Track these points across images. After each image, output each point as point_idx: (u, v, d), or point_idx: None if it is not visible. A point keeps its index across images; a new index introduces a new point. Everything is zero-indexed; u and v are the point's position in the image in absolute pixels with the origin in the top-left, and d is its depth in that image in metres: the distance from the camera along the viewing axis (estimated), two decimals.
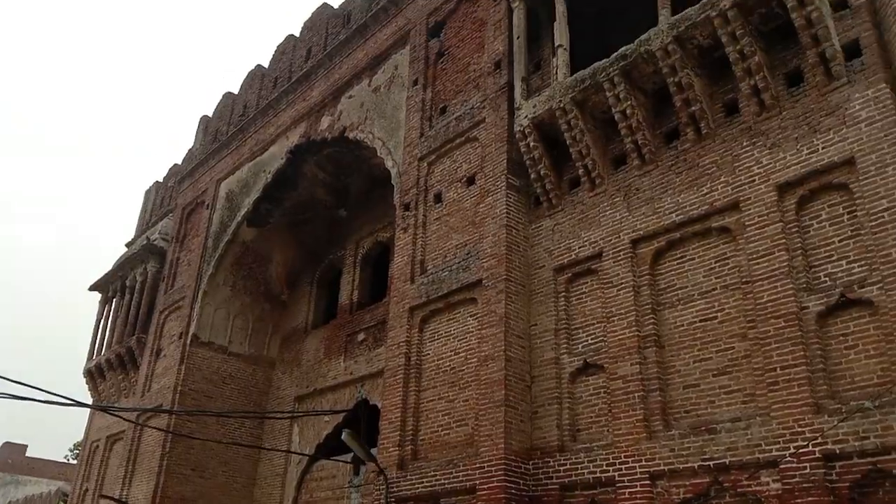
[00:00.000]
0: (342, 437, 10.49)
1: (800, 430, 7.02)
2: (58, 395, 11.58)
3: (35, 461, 43.44)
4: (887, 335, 6.72)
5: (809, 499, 6.75)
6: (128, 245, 22.82)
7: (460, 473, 9.51)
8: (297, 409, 16.48)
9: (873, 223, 7.09)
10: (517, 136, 10.67)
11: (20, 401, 11.09)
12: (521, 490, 9.06)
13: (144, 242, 20.03)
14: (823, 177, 7.70)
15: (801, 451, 6.92)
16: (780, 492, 7.02)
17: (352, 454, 14.35)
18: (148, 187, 23.67)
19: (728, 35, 8.49)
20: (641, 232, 9.21)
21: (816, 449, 6.83)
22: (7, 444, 43.81)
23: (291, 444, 16.08)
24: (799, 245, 7.71)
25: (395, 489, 10.23)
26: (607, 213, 9.73)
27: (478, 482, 9.19)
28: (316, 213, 17.57)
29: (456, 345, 10.56)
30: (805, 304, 7.43)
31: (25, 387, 10.77)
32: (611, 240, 9.52)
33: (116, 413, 15.31)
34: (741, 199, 8.28)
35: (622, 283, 9.17)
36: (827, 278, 7.41)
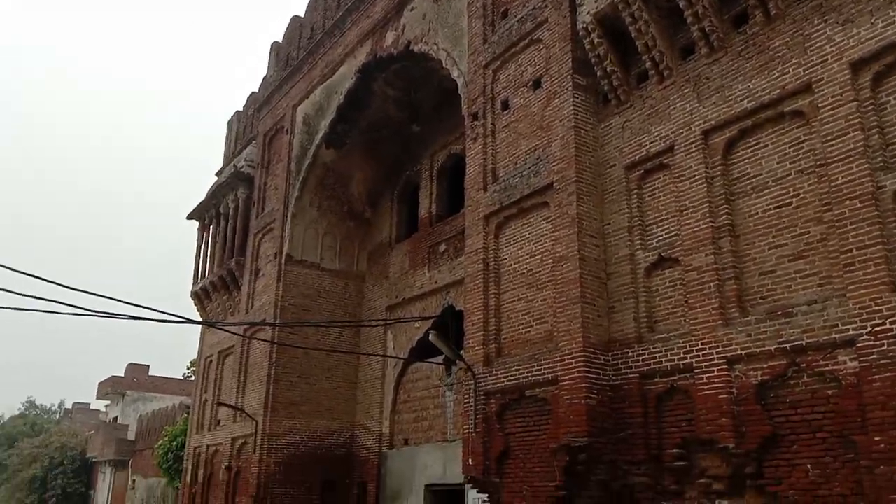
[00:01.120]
0: (430, 338, 11.16)
1: (877, 308, 7.07)
2: (176, 316, 12.70)
3: (157, 379, 47.36)
4: None
5: (887, 374, 6.87)
6: (217, 174, 23.91)
7: (542, 367, 10.02)
8: (390, 318, 17.36)
9: None
10: (581, 33, 10.55)
11: (139, 321, 12.25)
12: (601, 379, 9.50)
13: (232, 170, 20.98)
14: None
15: (878, 329, 7.00)
16: (857, 370, 7.15)
17: (443, 356, 15.17)
18: (230, 117, 24.49)
19: None
20: (713, 122, 9.11)
21: (894, 326, 6.89)
22: (131, 364, 47.80)
23: (386, 350, 17.08)
24: (875, 123, 7.52)
25: (482, 384, 10.88)
26: (677, 105, 9.62)
27: (559, 373, 9.69)
28: (390, 131, 17.90)
29: (531, 248, 10.88)
30: (882, 182, 7.32)
31: (148, 310, 11.89)
32: (682, 132, 9.46)
33: (227, 329, 16.56)
34: (814, 80, 8.06)
35: (695, 176, 9.17)
36: None
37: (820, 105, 7.97)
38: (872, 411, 6.95)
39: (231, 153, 23.63)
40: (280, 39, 21.25)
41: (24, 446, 44.48)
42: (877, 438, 6.89)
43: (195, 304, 22.30)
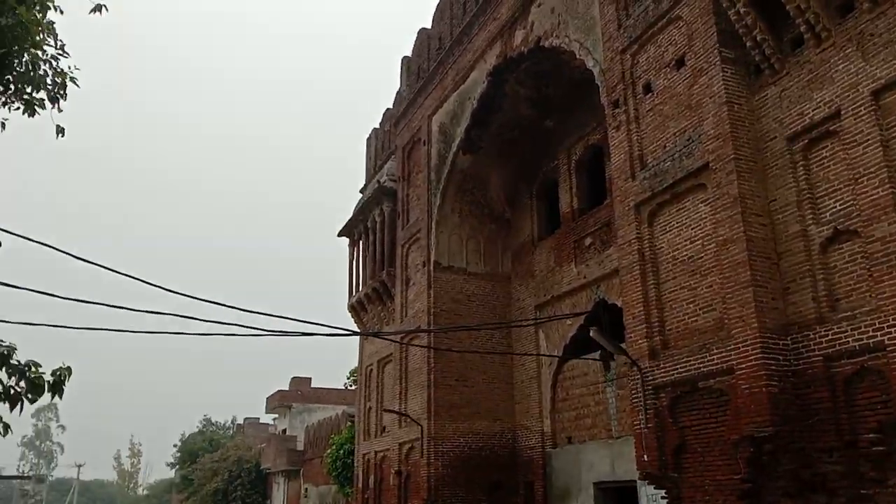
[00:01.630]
0: (590, 333, 11.03)
1: None
2: (343, 329, 13.31)
3: (319, 391, 49.77)
4: None
5: None
6: (361, 191, 24.88)
7: (714, 356, 9.64)
8: (541, 316, 17.32)
9: None
10: (724, 4, 10.08)
11: (306, 336, 12.92)
12: (781, 365, 9.01)
13: (376, 186, 21.74)
14: None
15: None
16: None
17: (599, 352, 14.96)
18: (368, 135, 25.40)
19: None
20: (883, 81, 8.43)
21: None
22: (295, 378, 50.54)
23: (539, 349, 17.04)
24: None
25: (650, 378, 10.61)
26: (840, 67, 8.97)
27: (735, 362, 9.28)
28: (523, 130, 17.90)
29: (690, 233, 10.50)
30: None
31: (316, 325, 12.54)
32: (848, 95, 8.81)
33: (386, 337, 17.16)
34: None
35: (868, 140, 8.52)
36: None
37: None
38: None
39: (372, 169, 24.50)
40: (410, 54, 21.81)
41: (205, 461, 48.02)
42: None
43: (352, 317, 23.28)
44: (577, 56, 13.67)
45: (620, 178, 11.84)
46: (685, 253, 10.51)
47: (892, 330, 7.95)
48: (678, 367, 10.20)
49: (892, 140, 8.29)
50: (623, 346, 11.41)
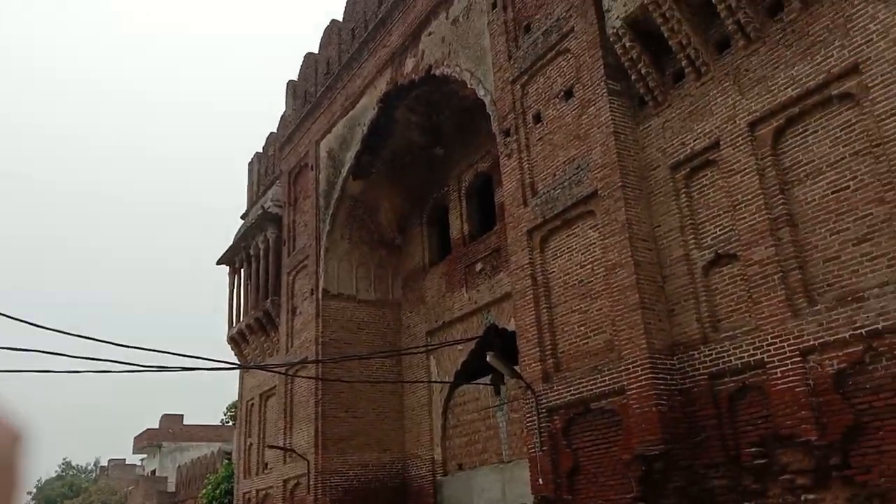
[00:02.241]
0: (487, 358, 11.02)
1: None
2: (216, 361, 12.65)
3: (192, 428, 47.29)
4: None
5: None
6: (243, 217, 24.04)
7: (606, 377, 9.86)
8: (430, 343, 17.24)
9: None
10: (611, 38, 10.52)
11: (178, 372, 12.20)
12: (669, 384, 9.32)
13: (260, 212, 21.08)
14: None
15: None
16: None
17: (490, 376, 15.04)
18: (250, 160, 24.68)
19: None
20: (758, 113, 9.02)
21: None
22: (166, 415, 47.81)
23: (430, 376, 16.94)
24: None
25: (543, 401, 10.72)
26: (718, 100, 9.55)
27: (625, 383, 9.52)
28: (414, 156, 17.96)
29: (580, 258, 10.78)
30: None
31: (188, 357, 11.85)
32: (726, 127, 9.37)
33: (272, 369, 16.51)
34: (860, 60, 7.97)
35: (745, 169, 9.06)
36: None
37: (869, 85, 7.87)
38: None
39: (255, 195, 23.77)
40: (295, 78, 21.45)
41: None
42: None
43: (232, 349, 22.31)
44: (469, 85, 13.88)
45: (513, 205, 12.03)
46: (576, 277, 10.77)
47: (771, 348, 8.41)
48: (571, 389, 10.36)
49: (767, 169, 8.86)
50: (517, 369, 11.48)
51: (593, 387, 10.03)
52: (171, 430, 47.17)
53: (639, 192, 10.25)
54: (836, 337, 7.82)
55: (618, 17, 10.32)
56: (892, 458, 7.32)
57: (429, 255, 18.32)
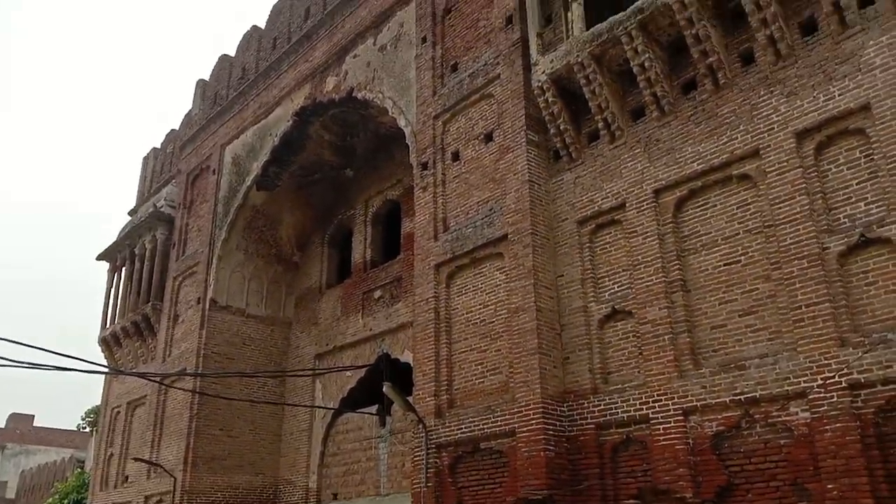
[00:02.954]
0: (384, 389, 10.97)
1: (826, 362, 7.55)
2: (87, 362, 11.94)
3: (42, 430, 43.95)
4: None
5: (837, 425, 7.32)
6: (131, 213, 22.91)
7: (498, 418, 10.04)
8: (318, 367, 16.96)
9: (890, 166, 7.52)
10: (535, 91, 10.91)
11: (35, 369, 11.35)
12: (558, 431, 9.61)
13: (151, 210, 20.17)
14: (840, 122, 8.08)
15: (828, 381, 7.46)
16: (808, 420, 7.58)
17: (377, 406, 14.96)
18: (146, 154, 23.63)
19: None
20: (663, 182, 9.58)
21: (843, 379, 7.37)
22: (14, 415, 44.23)
23: (314, 400, 16.64)
24: (818, 189, 8.13)
25: (434, 436, 10.77)
26: (628, 164, 10.07)
27: (516, 425, 9.73)
28: (323, 174, 17.78)
29: (484, 298, 10.98)
30: (826, 244, 7.88)
31: (56, 355, 11.11)
32: (633, 190, 9.89)
33: (148, 377, 15.70)
34: (761, 146, 8.66)
35: (647, 232, 9.58)
36: (846, 220, 7.86)
37: (767, 170, 8.55)
38: (824, 460, 7.36)
39: (147, 191, 22.73)
40: (205, 77, 20.82)
41: None
42: (829, 486, 7.28)
43: (103, 351, 21.03)
44: (390, 113, 13.95)
45: (423, 238, 12.13)
46: (478, 316, 10.96)
47: (656, 405, 8.86)
48: (462, 427, 10.47)
49: (667, 235, 9.40)
50: (411, 401, 11.48)
51: (485, 426, 10.18)
52: (19, 430, 43.69)
53: (546, 240, 10.60)
54: (717, 400, 8.34)
55: (543, 72, 10.73)
56: None
57: (326, 276, 18.09)
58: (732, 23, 9.27)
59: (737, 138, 8.96)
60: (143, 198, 22.93)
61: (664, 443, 8.67)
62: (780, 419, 7.86)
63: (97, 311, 22.42)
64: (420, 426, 10.91)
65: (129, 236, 20.90)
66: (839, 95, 8.14)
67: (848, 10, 8.18)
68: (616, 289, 9.90)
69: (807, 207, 8.11)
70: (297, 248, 18.71)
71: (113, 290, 21.45)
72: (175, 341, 18.22)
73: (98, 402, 27.89)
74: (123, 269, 21.22)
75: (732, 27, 9.30)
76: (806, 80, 8.46)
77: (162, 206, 20.04)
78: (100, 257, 21.93)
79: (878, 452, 7.04)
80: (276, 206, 18.04)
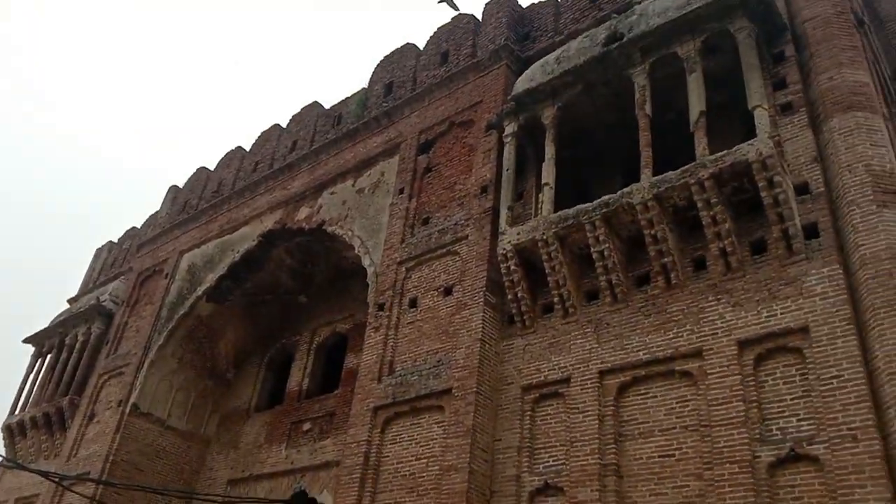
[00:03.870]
0: None
1: None
2: None
3: None
4: (831, 491, 7.50)
5: None
6: (70, 301, 22.33)
7: None
8: (230, 494, 16.15)
9: (823, 387, 8.00)
10: (499, 257, 11.43)
11: None
12: None
13: (93, 302, 19.72)
14: (780, 339, 8.64)
15: None
16: None
17: None
18: (100, 246, 23.42)
19: (703, 201, 9.59)
20: (609, 364, 9.94)
21: None
22: None
23: None
24: (755, 397, 8.54)
25: None
26: (577, 341, 10.45)
27: None
28: (276, 296, 17.80)
29: (418, 450, 10.88)
30: (758, 453, 8.18)
31: None
32: (579, 367, 10.21)
33: (50, 477, 14.69)
34: (704, 348, 9.14)
35: (587, 410, 9.80)
36: (779, 432, 8.21)
37: (708, 371, 8.98)
38: None
39: (93, 283, 22.33)
40: (179, 184, 21.18)
41: None
42: None
43: (4, 439, 19.71)
44: (356, 251, 14.32)
45: (366, 378, 12.12)
46: (409, 468, 10.79)
47: None
48: None
49: (607, 416, 9.62)
50: None
51: None
52: None
53: (489, 401, 10.72)
54: None
55: (509, 241, 11.31)
56: None
57: (257, 399, 17.63)
58: (689, 231, 10.04)
59: (682, 336, 9.45)
60: (86, 288, 22.48)
61: None
62: None
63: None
64: None
65: (64, 325, 20.27)
66: (781, 314, 8.75)
67: (794, 239, 8.99)
68: (551, 462, 9.95)
69: (742, 414, 8.46)
70: (234, 365, 18.33)
71: (32, 376, 20.46)
72: (85, 441, 17.26)
73: None
74: (49, 356, 20.39)
75: (689, 234, 10.06)
76: (752, 294, 9.11)
77: (105, 301, 19.64)
78: (26, 340, 21.08)
79: None
80: (222, 319, 17.84)
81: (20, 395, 20.25)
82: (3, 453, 19.16)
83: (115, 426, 16.48)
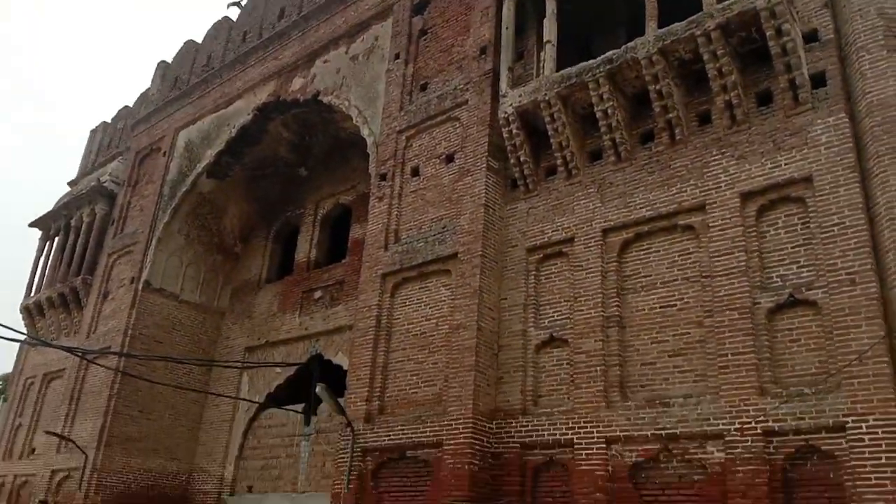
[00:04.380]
0: (317, 389, 11.06)
1: (745, 408, 8.11)
2: (9, 329, 11.68)
3: None
4: (827, 333, 7.87)
5: (749, 467, 7.87)
6: (70, 184, 22.30)
7: (427, 429, 10.30)
8: (248, 360, 16.86)
9: (824, 235, 8.19)
10: (500, 121, 11.34)
11: None
12: (484, 446, 9.94)
13: (94, 184, 19.71)
14: (783, 190, 8.75)
15: (745, 426, 8.03)
16: (722, 460, 8.12)
17: (303, 405, 15.01)
18: (94, 127, 23.09)
19: (709, 53, 9.40)
20: (612, 222, 10.11)
21: (759, 425, 7.94)
22: None
23: (240, 393, 16.51)
24: (756, 248, 8.77)
25: (361, 440, 10.94)
26: (581, 202, 10.58)
27: (445, 437, 10.01)
28: (276, 170, 17.79)
29: (427, 311, 11.27)
30: (758, 300, 8.50)
31: None
32: (583, 227, 10.39)
33: (74, 352, 15.29)
34: (707, 202, 9.27)
35: (591, 267, 10.07)
36: (779, 279, 8.50)
37: (710, 224, 9.16)
38: (734, 498, 7.88)
39: (91, 165, 22.19)
40: (168, 59, 20.59)
41: None
42: None
43: (24, 319, 20.32)
44: (354, 121, 14.16)
45: (373, 246, 12.35)
46: (419, 328, 11.22)
47: (582, 431, 9.28)
48: (391, 434, 10.69)
49: (610, 272, 9.90)
50: (342, 403, 11.60)
51: (413, 435, 10.42)
52: None
53: (495, 263, 10.99)
54: (639, 433, 8.82)
55: (511, 104, 11.17)
56: None
57: (267, 271, 18.03)
58: (695, 84, 9.90)
59: (686, 191, 9.55)
60: (85, 170, 22.38)
61: (585, 468, 9.09)
62: (696, 456, 8.37)
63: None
64: (348, 429, 11.06)
65: (67, 207, 20.36)
66: (785, 165, 8.82)
67: (801, 89, 8.89)
68: (556, 317, 10.34)
69: (743, 263, 8.72)
70: (240, 239, 18.59)
71: (42, 259, 20.81)
72: (102, 318, 17.82)
73: (9, 370, 26.83)
74: (56, 238, 20.63)
75: (694, 88, 9.94)
76: (756, 146, 9.13)
77: (106, 182, 19.61)
78: (32, 224, 21.25)
79: (783, 496, 7.62)
80: (224, 195, 17.92)
81: (33, 278, 20.66)
82: (25, 331, 19.83)
83: (130, 302, 16.94)
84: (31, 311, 20.05)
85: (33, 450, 17.96)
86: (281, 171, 17.78)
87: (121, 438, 15.74)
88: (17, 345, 20.94)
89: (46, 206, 21.76)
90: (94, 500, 15.03)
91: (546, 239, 10.79)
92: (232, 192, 17.97)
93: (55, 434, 16.17)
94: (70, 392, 17.11)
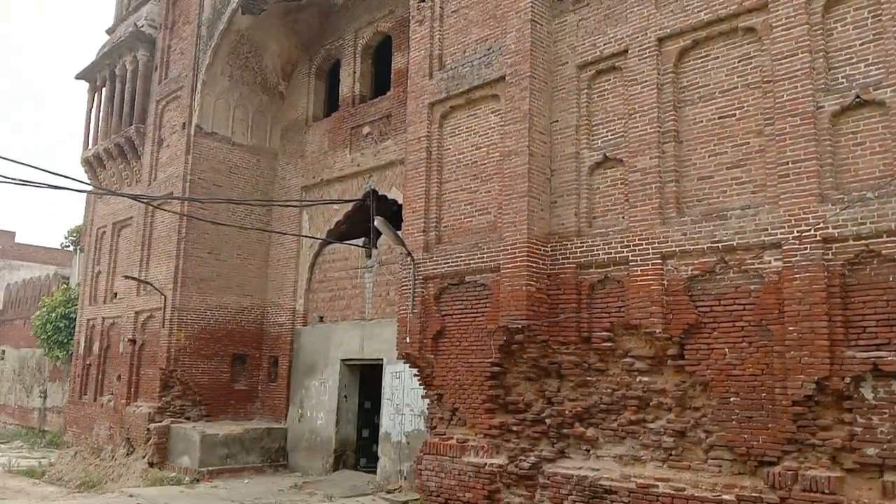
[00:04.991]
0: (375, 223, 11.32)
1: (804, 216, 7.96)
2: (78, 181, 12.08)
3: (24, 247, 44.37)
4: (894, 134, 7.47)
5: (806, 274, 7.85)
6: (109, 32, 22.00)
7: (485, 255, 10.53)
8: (305, 199, 17.23)
9: None
10: None
11: (25, 186, 11.50)
12: (540, 268, 10.15)
13: (131, 29, 19.40)
14: None
15: (803, 234, 7.92)
16: (780, 269, 8.10)
17: (363, 239, 15.44)
18: None
19: None
20: (668, 30, 9.50)
21: (818, 232, 7.82)
22: None
23: (302, 230, 17.05)
24: (822, 47, 8.17)
25: (421, 268, 11.30)
26: (634, 9, 9.91)
27: (502, 262, 10.24)
28: (311, 1, 17.11)
29: (477, 140, 11.12)
30: (821, 103, 8.05)
31: (46, 173, 11.21)
32: (637, 37, 9.81)
33: (141, 200, 15.84)
34: None
35: (646, 81, 9.63)
36: (844, 80, 7.98)
37: (773, 24, 8.52)
38: (790, 305, 7.95)
39: (125, 10, 21.69)
40: None
41: None
42: (791, 328, 7.92)
43: (86, 171, 21.00)
44: None
45: (418, 75, 12.02)
46: (470, 157, 11.14)
47: (637, 248, 9.34)
48: (449, 261, 10.98)
49: (666, 84, 9.46)
50: (401, 235, 11.87)
51: (471, 261, 10.69)
52: (2, 246, 44.08)
53: (544, 84, 10.61)
54: (695, 247, 8.82)
55: None
56: (719, 354, 8.57)
57: (314, 108, 17.91)
58: None
59: None
60: (121, 16, 21.90)
61: (640, 283, 9.24)
62: (752, 266, 8.37)
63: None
64: (408, 259, 11.40)
65: (109, 56, 20.24)
66: None
67: None
68: (609, 137, 10.08)
69: (807, 65, 8.18)
70: (283, 77, 18.34)
71: (94, 111, 21.06)
72: (160, 165, 18.24)
73: (80, 221, 28.22)
74: (104, 89, 20.72)
75: None
76: None
77: (143, 26, 19.28)
78: (79, 77, 21.31)
79: (840, 300, 7.63)
80: (262, 31, 17.47)
81: (88, 130, 21.05)
82: (88, 183, 20.54)
83: (185, 147, 17.20)
84: (92, 163, 20.63)
85: (115, 294, 19.21)
86: (316, 1, 17.10)
87: (195, 279, 16.64)
88: (84, 197, 21.78)
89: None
90: (177, 336, 16.21)
91: (598, 53, 10.27)
92: (269, 27, 17.49)
93: (133, 278, 17.19)
94: (141, 238, 17.95)
